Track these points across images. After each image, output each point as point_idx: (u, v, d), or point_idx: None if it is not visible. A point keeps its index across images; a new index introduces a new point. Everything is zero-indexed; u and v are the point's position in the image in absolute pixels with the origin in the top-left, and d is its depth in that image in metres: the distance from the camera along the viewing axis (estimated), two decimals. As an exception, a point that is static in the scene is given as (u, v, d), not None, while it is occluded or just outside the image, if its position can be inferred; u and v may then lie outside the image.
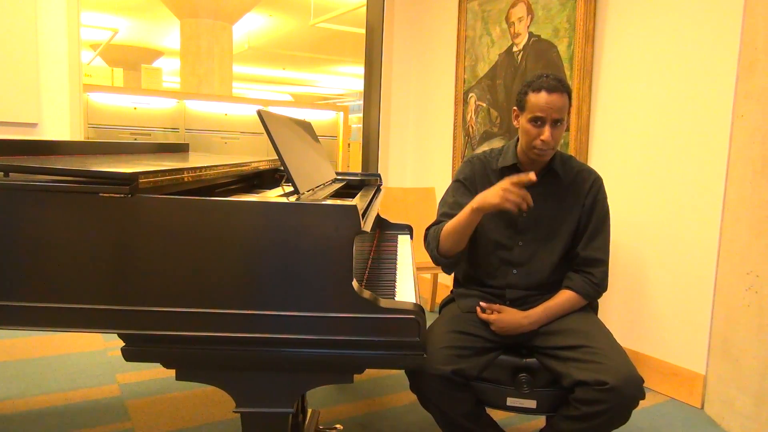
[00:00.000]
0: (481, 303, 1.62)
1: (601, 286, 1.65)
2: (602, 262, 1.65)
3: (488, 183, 1.69)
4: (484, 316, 1.60)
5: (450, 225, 1.58)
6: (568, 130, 2.75)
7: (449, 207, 1.69)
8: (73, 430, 1.96)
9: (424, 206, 3.45)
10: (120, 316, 1.12)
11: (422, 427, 2.04)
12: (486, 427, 1.59)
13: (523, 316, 1.59)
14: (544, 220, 1.66)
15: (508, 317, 1.58)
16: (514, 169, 1.66)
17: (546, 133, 1.53)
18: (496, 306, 1.61)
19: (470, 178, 1.72)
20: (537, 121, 1.54)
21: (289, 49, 11.33)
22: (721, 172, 2.20)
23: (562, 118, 1.54)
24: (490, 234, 1.69)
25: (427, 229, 1.71)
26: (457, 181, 1.74)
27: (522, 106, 1.58)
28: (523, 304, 1.64)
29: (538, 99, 1.52)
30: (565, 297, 1.62)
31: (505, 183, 1.44)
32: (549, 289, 1.66)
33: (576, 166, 1.69)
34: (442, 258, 1.64)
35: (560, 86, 1.53)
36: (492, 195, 1.45)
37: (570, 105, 1.57)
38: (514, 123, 1.62)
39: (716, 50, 2.20)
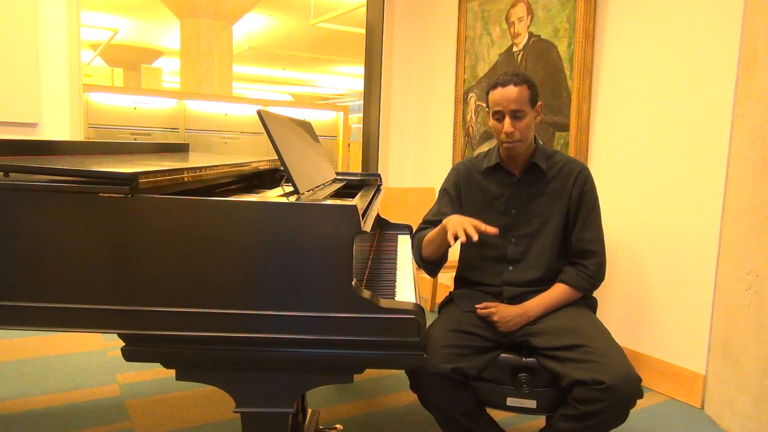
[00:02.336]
0: (477, 306, 1.63)
1: (595, 278, 1.66)
2: (595, 254, 1.66)
3: (475, 186, 1.76)
4: (483, 312, 1.61)
5: (428, 235, 1.69)
6: (567, 130, 2.75)
7: (432, 215, 1.80)
8: (73, 430, 1.96)
9: (424, 206, 3.43)
10: (120, 316, 1.12)
11: (422, 427, 2.04)
12: (486, 427, 1.59)
13: (519, 307, 1.61)
14: (533, 215, 1.69)
15: (506, 310, 1.60)
16: (497, 168, 1.72)
17: (506, 125, 1.59)
18: (492, 303, 1.62)
19: (455, 186, 1.79)
20: (497, 116, 1.62)
21: (289, 49, 11.33)
22: (721, 172, 2.20)
23: (521, 109, 1.58)
24: (483, 235, 1.71)
25: (414, 234, 1.81)
26: (443, 191, 1.83)
27: (487, 107, 1.66)
28: (521, 301, 1.66)
29: (494, 95, 1.61)
30: (558, 290, 1.64)
31: (467, 223, 1.46)
32: (546, 285, 1.67)
33: (562, 159, 1.71)
34: (423, 263, 1.76)
35: (513, 79, 1.58)
36: (454, 225, 1.49)
37: (532, 96, 1.61)
38: (489, 125, 1.69)
39: (716, 50, 2.20)
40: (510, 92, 1.57)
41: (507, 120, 1.59)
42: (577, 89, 2.69)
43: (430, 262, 1.74)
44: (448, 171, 1.85)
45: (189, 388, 2.30)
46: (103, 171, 1.13)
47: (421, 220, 1.84)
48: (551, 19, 2.85)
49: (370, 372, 2.51)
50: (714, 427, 2.16)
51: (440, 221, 1.71)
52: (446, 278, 3.60)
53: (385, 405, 2.23)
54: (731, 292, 2.14)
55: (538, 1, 2.93)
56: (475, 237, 1.42)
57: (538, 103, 1.64)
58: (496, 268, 1.72)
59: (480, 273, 1.75)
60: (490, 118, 1.65)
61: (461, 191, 1.78)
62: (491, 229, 1.45)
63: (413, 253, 1.79)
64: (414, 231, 1.82)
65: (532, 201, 1.69)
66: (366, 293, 1.13)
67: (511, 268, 1.70)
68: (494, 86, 1.61)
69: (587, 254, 1.66)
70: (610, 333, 1.55)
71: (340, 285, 1.11)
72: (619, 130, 2.59)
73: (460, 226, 1.44)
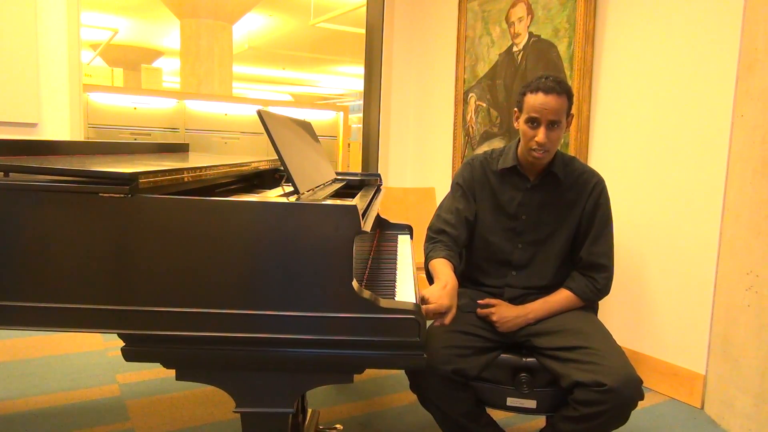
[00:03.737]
0: (479, 301, 1.63)
1: (602, 292, 1.65)
2: (606, 268, 1.64)
3: (487, 186, 1.70)
4: (483, 312, 1.60)
5: (431, 270, 1.57)
6: (567, 130, 2.75)
7: (446, 211, 1.71)
8: (73, 430, 1.96)
9: (424, 206, 3.44)
10: (120, 316, 1.12)
11: (422, 427, 2.04)
12: (486, 427, 1.59)
13: (521, 308, 1.61)
14: (543, 223, 1.66)
15: (506, 310, 1.59)
16: (513, 170, 1.67)
17: (540, 134, 1.53)
18: (493, 300, 1.62)
19: (468, 181, 1.72)
20: (532, 122, 1.54)
21: (289, 49, 11.33)
22: (721, 172, 2.20)
23: (559, 120, 1.53)
24: (490, 237, 1.70)
25: (428, 231, 1.71)
26: (456, 185, 1.74)
27: (520, 107, 1.59)
28: (522, 302, 1.65)
29: (534, 100, 1.52)
30: (563, 296, 1.63)
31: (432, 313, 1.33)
32: (548, 291, 1.66)
33: (578, 169, 1.68)
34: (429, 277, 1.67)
35: (558, 88, 1.51)
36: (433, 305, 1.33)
37: (570, 106, 1.56)
38: (515, 124, 1.63)
39: (716, 50, 2.20)
40: (552, 102, 1.50)
41: (542, 130, 1.52)
42: (577, 89, 2.69)
43: None
44: (462, 164, 1.78)
45: (189, 388, 2.30)
46: (103, 171, 1.13)
47: (430, 217, 1.77)
48: (551, 19, 2.85)
49: (370, 372, 2.51)
50: (714, 427, 2.16)
51: (453, 221, 1.66)
52: (446, 278, 3.59)
53: (385, 405, 2.23)
54: (731, 292, 2.14)
55: (538, 1, 2.93)
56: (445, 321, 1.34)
57: (571, 114, 1.59)
58: (499, 271, 1.70)
59: (482, 275, 1.73)
60: (521, 120, 1.58)
61: (475, 187, 1.71)
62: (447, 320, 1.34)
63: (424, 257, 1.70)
64: (428, 229, 1.72)
65: (544, 208, 1.66)
66: (366, 293, 1.13)
67: (514, 273, 1.69)
68: (535, 90, 1.52)
69: (598, 268, 1.64)
70: (611, 335, 1.55)
71: (340, 285, 1.11)
72: (619, 130, 2.59)
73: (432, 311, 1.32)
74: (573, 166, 1.68)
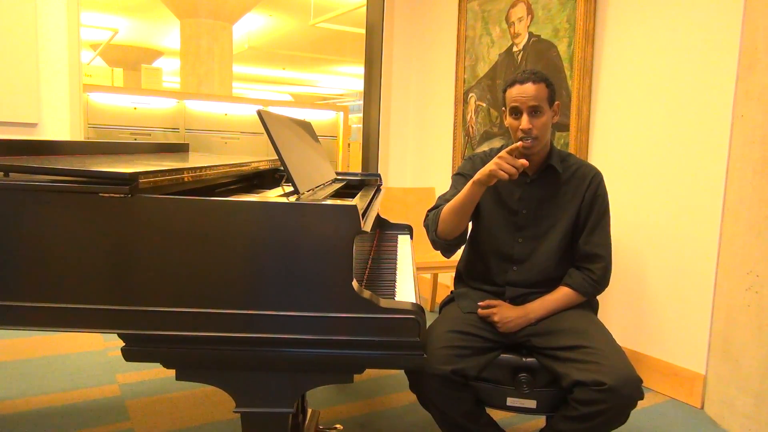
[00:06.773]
0: (480, 303, 1.63)
1: (600, 284, 1.65)
2: (602, 258, 1.65)
3: None
4: (484, 312, 1.61)
5: (450, 204, 1.61)
6: (567, 130, 2.75)
7: (447, 195, 1.73)
8: (73, 430, 1.96)
9: (424, 206, 3.43)
10: (120, 316, 1.12)
11: (422, 427, 2.04)
12: (486, 427, 1.59)
13: (522, 308, 1.61)
14: (543, 217, 1.68)
15: (507, 310, 1.59)
16: None
17: (524, 121, 1.57)
18: (494, 301, 1.62)
19: (470, 172, 1.73)
20: (515, 113, 1.60)
21: (289, 49, 11.33)
22: (721, 172, 2.20)
23: (539, 106, 1.57)
24: (491, 232, 1.71)
25: (428, 213, 1.73)
26: (457, 175, 1.77)
27: (504, 105, 1.65)
28: (523, 302, 1.65)
29: (512, 92, 1.59)
30: (562, 293, 1.64)
31: (501, 153, 1.49)
32: (549, 287, 1.66)
33: (576, 163, 1.71)
34: (440, 240, 1.67)
35: (532, 76, 1.57)
36: (488, 165, 1.50)
37: (551, 94, 1.60)
38: (506, 124, 1.66)
39: (716, 50, 2.20)
40: (528, 89, 1.56)
41: (525, 117, 1.57)
42: (577, 89, 2.69)
43: (447, 240, 1.65)
44: (463, 160, 1.81)
45: (189, 388, 2.30)
46: (103, 171, 1.13)
47: (428, 213, 1.76)
48: (551, 19, 2.85)
49: (370, 372, 2.51)
50: (714, 427, 2.16)
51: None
52: (446, 278, 3.60)
53: (385, 405, 2.23)
54: (731, 292, 2.14)
55: (538, 1, 2.93)
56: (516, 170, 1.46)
57: (556, 103, 1.63)
58: (500, 267, 1.71)
59: (484, 272, 1.74)
60: (507, 115, 1.63)
61: None
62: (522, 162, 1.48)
63: (428, 232, 1.70)
64: (428, 210, 1.73)
65: (543, 203, 1.68)
66: (366, 293, 1.13)
67: (515, 268, 1.69)
68: (512, 83, 1.60)
69: (594, 258, 1.65)
70: (611, 334, 1.55)
71: (340, 285, 1.11)
72: (619, 130, 2.59)
73: (501, 166, 1.46)
74: (570, 161, 1.71)
